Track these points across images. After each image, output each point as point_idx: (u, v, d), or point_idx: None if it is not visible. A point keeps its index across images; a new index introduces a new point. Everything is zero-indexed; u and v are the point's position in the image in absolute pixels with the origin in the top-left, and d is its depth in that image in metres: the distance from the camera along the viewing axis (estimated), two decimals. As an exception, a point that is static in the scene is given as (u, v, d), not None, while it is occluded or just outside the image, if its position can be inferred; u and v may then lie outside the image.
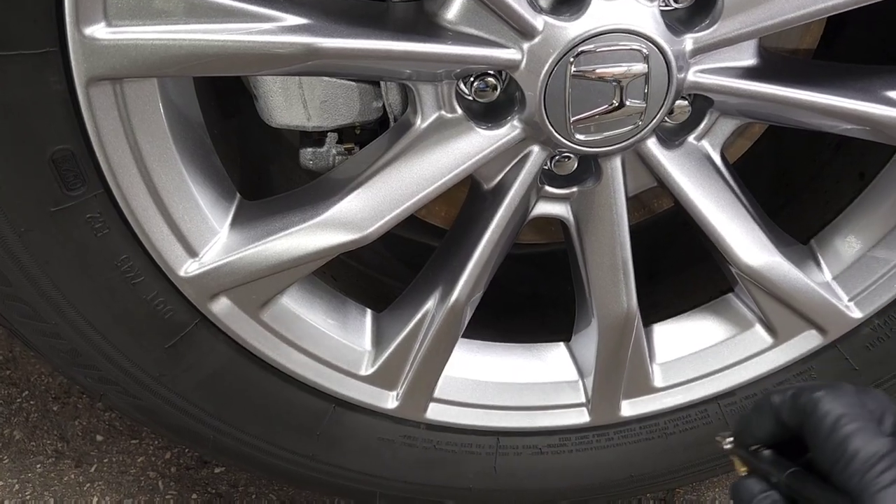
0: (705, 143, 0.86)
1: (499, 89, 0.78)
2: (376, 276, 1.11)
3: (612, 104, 0.75)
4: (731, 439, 0.66)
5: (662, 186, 0.87)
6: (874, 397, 0.57)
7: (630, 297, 0.91)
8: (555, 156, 0.83)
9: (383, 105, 0.85)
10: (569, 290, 1.11)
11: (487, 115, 0.79)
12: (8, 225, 0.72)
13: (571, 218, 0.89)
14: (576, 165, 0.85)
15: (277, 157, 1.04)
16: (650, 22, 0.72)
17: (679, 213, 1.17)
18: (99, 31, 0.65)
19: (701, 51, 0.75)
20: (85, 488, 1.18)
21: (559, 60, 0.72)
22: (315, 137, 0.88)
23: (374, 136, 0.87)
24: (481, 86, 0.77)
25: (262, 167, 1.04)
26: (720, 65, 0.78)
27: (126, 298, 0.80)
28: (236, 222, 0.82)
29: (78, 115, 0.69)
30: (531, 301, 1.18)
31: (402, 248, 1.12)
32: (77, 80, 0.67)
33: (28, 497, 1.16)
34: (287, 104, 0.82)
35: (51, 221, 0.73)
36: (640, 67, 0.73)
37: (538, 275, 1.19)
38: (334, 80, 0.81)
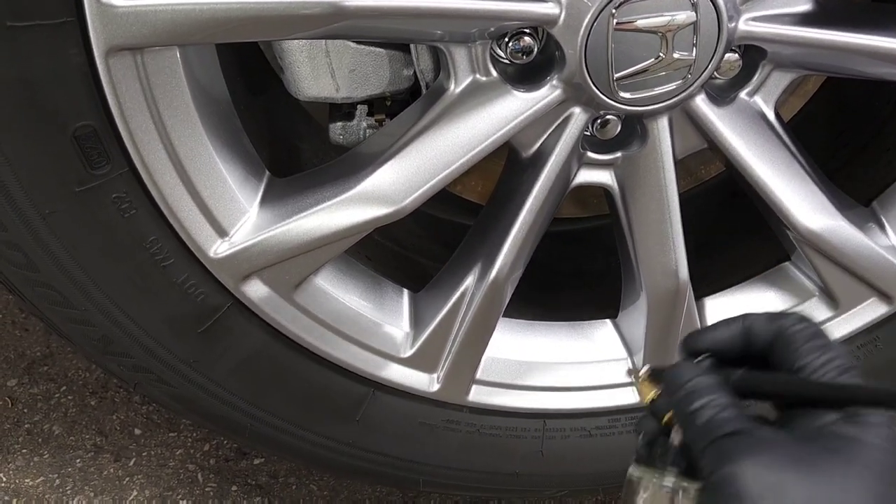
0: (758, 99, 0.80)
1: (535, 49, 0.73)
2: (410, 255, 1.08)
3: (658, 58, 0.70)
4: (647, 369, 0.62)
5: (712, 148, 0.82)
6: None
7: (681, 268, 0.86)
8: (597, 118, 0.78)
9: (414, 73, 0.81)
10: (612, 266, 1.06)
11: (525, 76, 0.75)
12: (32, 207, 0.70)
13: (616, 186, 0.85)
14: (619, 128, 0.80)
15: (305, 133, 1.01)
16: (698, -34, 0.67)
17: (727, 182, 1.12)
18: (116, -3, 0.62)
19: (753, -3, 0.70)
20: (124, 482, 1.16)
21: (600, 12, 0.68)
22: (345, 110, 0.85)
23: (406, 106, 0.84)
24: (517, 46, 0.73)
25: (290, 144, 1.01)
26: (773, 11, 0.73)
27: (156, 282, 0.78)
28: (266, 200, 0.79)
29: (99, 89, 0.66)
30: (574, 278, 1.13)
31: (437, 227, 1.09)
32: (96, 51, 0.64)
33: (69, 491, 1.15)
34: (314, 75, 0.78)
35: (76, 202, 0.71)
36: (687, 16, 0.68)
37: (580, 251, 1.15)
38: (362, 47, 0.78)
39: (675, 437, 0.56)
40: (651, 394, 0.63)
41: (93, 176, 0.70)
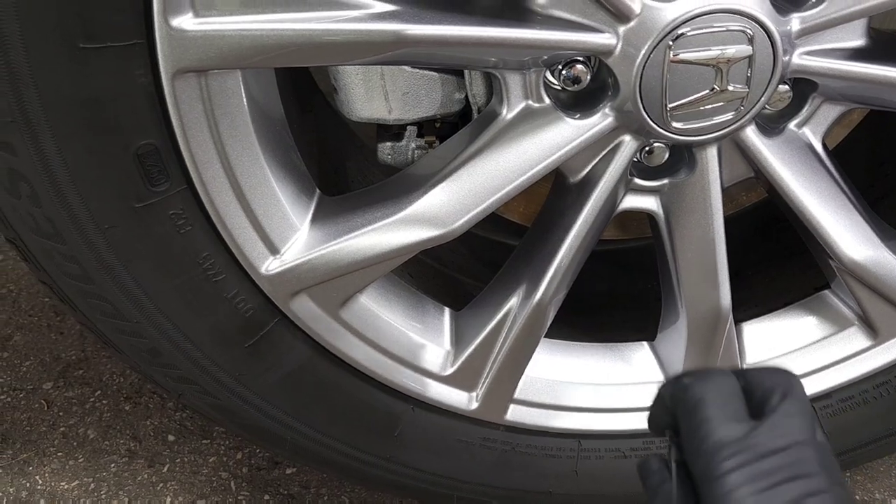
0: (806, 131, 0.81)
1: (588, 77, 0.74)
2: (452, 273, 1.09)
3: (712, 89, 0.71)
4: None
5: (759, 177, 0.82)
6: (756, 376, 0.54)
7: (723, 295, 0.87)
8: (646, 146, 0.79)
9: (465, 97, 0.82)
10: (648, 288, 1.07)
11: (577, 104, 0.76)
12: (92, 222, 0.72)
13: (661, 211, 0.85)
14: (667, 156, 0.81)
15: (352, 153, 1.02)
16: (755, 0, 0.68)
17: (765, 208, 1.12)
18: (186, 22, 0.63)
19: (807, 31, 0.71)
20: (158, 488, 1.17)
21: (657, 44, 0.69)
22: (394, 131, 0.86)
23: (455, 129, 0.85)
24: (570, 74, 0.74)
25: (337, 163, 1.02)
26: (826, 46, 0.74)
27: (207, 296, 0.79)
28: (317, 219, 0.80)
29: (163, 109, 0.67)
30: (609, 300, 1.14)
31: (478, 246, 1.10)
32: (163, 73, 0.65)
33: (103, 496, 1.16)
34: (368, 96, 0.80)
35: (134, 218, 0.72)
36: (744, 50, 0.69)
37: (616, 273, 1.15)
38: (417, 70, 0.79)
39: None
40: None
41: (152, 193, 0.71)
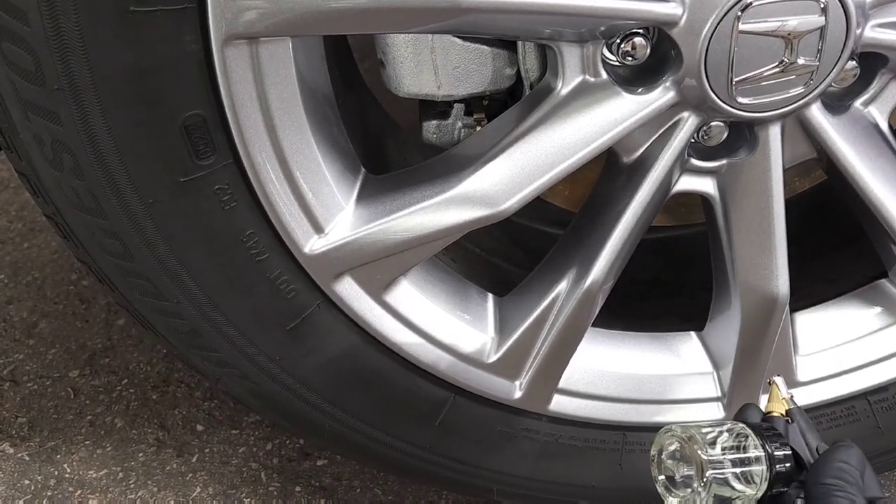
0: (873, 110, 0.78)
1: (647, 50, 0.71)
2: (494, 260, 1.06)
3: (781, 62, 0.68)
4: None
5: (821, 158, 0.79)
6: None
7: (782, 281, 0.83)
8: (707, 123, 0.76)
9: (516, 72, 0.79)
10: (693, 277, 1.04)
11: (635, 78, 0.73)
12: (136, 196, 0.69)
13: (717, 194, 0.82)
14: (726, 134, 0.78)
15: (390, 132, 1.00)
16: (829, -31, 0.65)
17: (818, 194, 1.09)
18: (239, -16, 0.61)
19: (881, 2, 0.68)
20: (187, 478, 1.15)
21: (725, 14, 0.66)
22: (440, 109, 0.84)
23: (503, 106, 0.82)
24: (628, 48, 0.71)
25: (379, 142, 1.00)
26: (900, 19, 0.71)
27: (250, 276, 0.76)
28: (362, 197, 0.78)
29: (212, 79, 0.65)
30: (654, 289, 1.11)
31: (520, 232, 1.07)
32: (214, 40, 0.63)
33: (132, 485, 1.14)
34: (417, 71, 0.77)
35: (179, 193, 0.70)
36: (816, 20, 0.66)
37: (660, 261, 1.12)
38: (468, 44, 0.76)
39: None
40: (777, 409, 0.62)
41: (198, 166, 0.69)
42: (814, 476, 0.60)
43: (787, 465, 0.61)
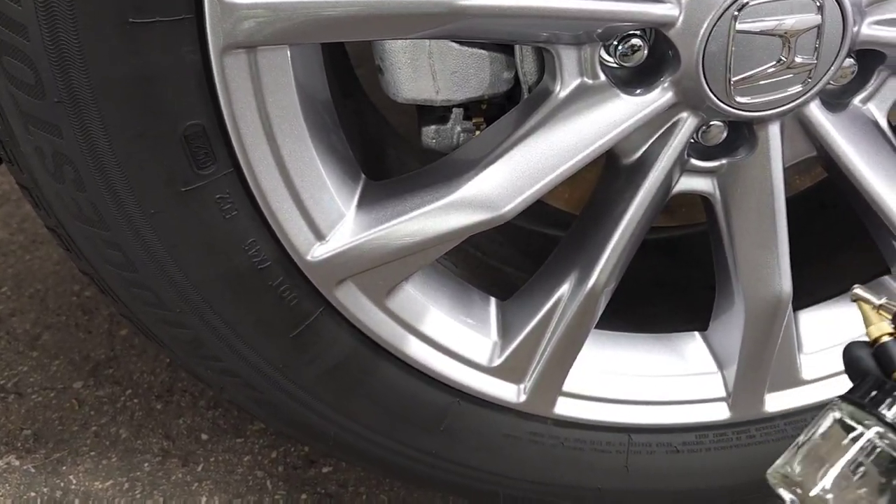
0: (871, 107, 0.78)
1: (645, 52, 0.72)
2: (495, 263, 1.06)
3: (779, 61, 0.68)
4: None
5: (821, 156, 0.79)
6: None
7: (784, 279, 0.83)
8: (705, 124, 0.76)
9: (514, 76, 0.79)
10: (695, 278, 1.03)
11: (633, 80, 0.73)
12: (137, 207, 0.69)
13: (717, 193, 0.82)
14: (725, 134, 0.78)
15: (389, 139, 1.00)
16: (825, -33, 0.65)
17: (817, 192, 1.09)
18: (237, -6, 0.61)
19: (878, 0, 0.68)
20: (193, 488, 1.15)
21: (722, 14, 0.66)
22: (439, 114, 0.84)
23: (502, 110, 0.82)
24: (625, 49, 0.72)
25: (378, 148, 1.00)
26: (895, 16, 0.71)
27: (252, 285, 0.77)
28: (363, 204, 0.78)
29: (211, 88, 0.65)
30: (656, 290, 1.11)
31: (521, 235, 1.07)
32: (212, 49, 0.63)
33: (138, 495, 1.14)
34: (415, 76, 0.77)
35: (180, 203, 0.70)
36: (812, 19, 0.66)
37: (663, 262, 1.12)
38: (465, 48, 0.76)
39: None
40: (882, 331, 0.59)
41: (199, 176, 0.69)
42: None
43: None
